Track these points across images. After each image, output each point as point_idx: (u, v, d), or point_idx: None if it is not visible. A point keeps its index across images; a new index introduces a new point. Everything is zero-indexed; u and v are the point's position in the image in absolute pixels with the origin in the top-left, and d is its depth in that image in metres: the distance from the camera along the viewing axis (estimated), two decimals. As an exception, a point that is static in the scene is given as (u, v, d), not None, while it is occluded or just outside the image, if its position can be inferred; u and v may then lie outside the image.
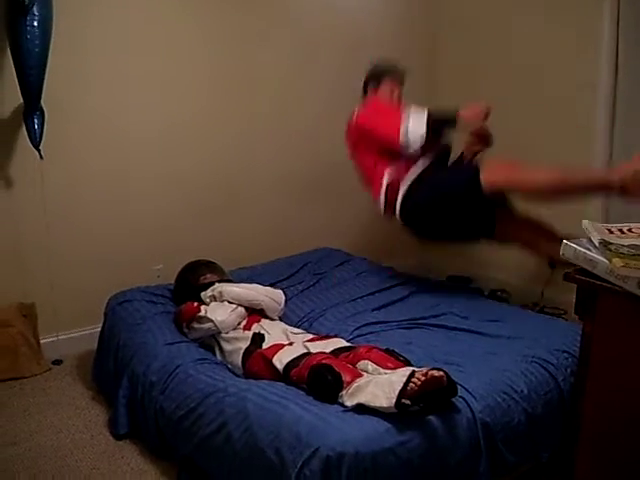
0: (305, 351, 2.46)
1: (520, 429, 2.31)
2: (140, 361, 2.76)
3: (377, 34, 4.37)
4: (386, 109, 3.24)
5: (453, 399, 2.20)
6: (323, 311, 3.13)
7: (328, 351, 2.46)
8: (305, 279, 3.58)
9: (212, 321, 2.77)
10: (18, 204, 3.29)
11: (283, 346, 2.53)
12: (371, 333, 2.85)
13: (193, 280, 3.16)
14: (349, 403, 2.12)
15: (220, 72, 3.80)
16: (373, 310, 3.12)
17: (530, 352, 2.56)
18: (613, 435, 1.83)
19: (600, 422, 1.86)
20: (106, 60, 3.41)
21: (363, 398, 2.09)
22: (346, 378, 2.17)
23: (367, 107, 3.32)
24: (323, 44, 4.16)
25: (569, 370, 2.50)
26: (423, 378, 2.02)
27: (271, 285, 3.29)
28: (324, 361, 2.28)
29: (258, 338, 2.68)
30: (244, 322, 2.83)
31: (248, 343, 2.66)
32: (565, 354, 2.56)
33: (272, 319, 2.93)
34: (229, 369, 2.63)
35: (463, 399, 2.25)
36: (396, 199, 3.07)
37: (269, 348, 2.56)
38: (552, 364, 2.50)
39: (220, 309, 2.83)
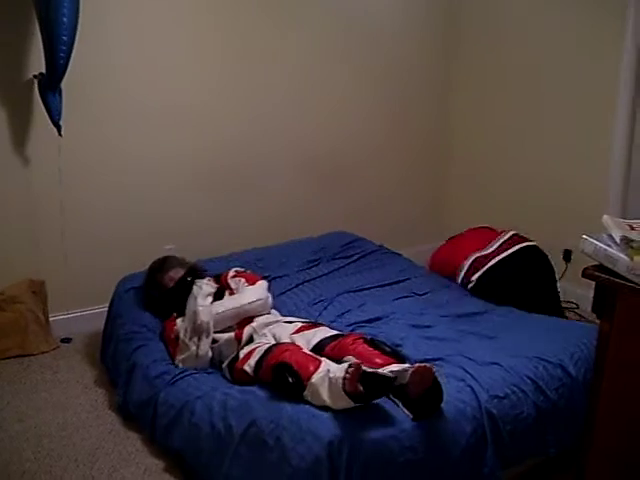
0: (270, 345, 2.44)
1: (529, 423, 2.29)
2: (141, 362, 2.73)
3: (398, 19, 4.30)
4: None
5: (460, 387, 2.21)
6: (335, 296, 3.15)
7: (314, 342, 2.45)
8: (322, 263, 3.58)
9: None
10: (33, 181, 3.28)
11: (254, 350, 2.49)
12: (387, 323, 2.84)
13: (159, 291, 3.01)
14: (316, 403, 2.11)
15: (241, 53, 3.74)
16: (394, 300, 3.11)
17: (543, 347, 2.53)
18: (628, 435, 1.79)
19: (615, 422, 1.82)
20: (126, 39, 3.37)
21: (325, 397, 2.07)
22: (306, 374, 2.14)
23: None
24: (346, 28, 4.09)
25: (583, 367, 2.46)
26: (352, 370, 2.00)
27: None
28: (283, 357, 2.25)
29: (247, 343, 2.64)
30: (235, 326, 2.74)
31: (235, 353, 2.61)
32: (579, 352, 2.52)
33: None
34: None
35: (471, 388, 2.23)
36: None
37: (242, 358, 2.51)
38: (566, 360, 2.47)
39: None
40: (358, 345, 2.33)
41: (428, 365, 2.07)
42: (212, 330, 2.68)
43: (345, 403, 2.02)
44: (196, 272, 3.02)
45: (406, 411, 2.09)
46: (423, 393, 2.07)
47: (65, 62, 2.94)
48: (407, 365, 2.13)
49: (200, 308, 2.71)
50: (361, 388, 1.99)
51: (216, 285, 2.94)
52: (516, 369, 2.37)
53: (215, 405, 2.30)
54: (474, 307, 3.02)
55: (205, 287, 2.86)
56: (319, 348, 2.42)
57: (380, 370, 2.05)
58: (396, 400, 2.11)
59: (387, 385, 2.04)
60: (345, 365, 2.06)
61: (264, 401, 2.21)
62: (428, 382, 2.07)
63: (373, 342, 2.36)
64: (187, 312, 2.76)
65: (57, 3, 2.79)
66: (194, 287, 2.87)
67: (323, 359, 2.24)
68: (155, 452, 2.53)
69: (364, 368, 2.01)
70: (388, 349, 2.32)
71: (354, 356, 2.26)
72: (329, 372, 2.10)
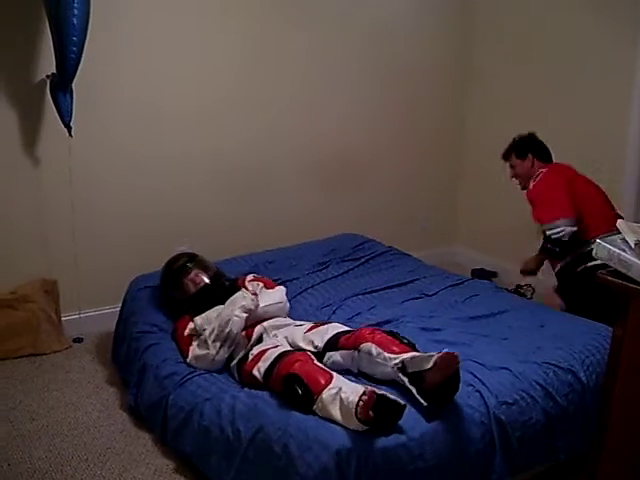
0: (280, 351, 2.43)
1: (538, 429, 2.27)
2: (151, 362, 2.73)
3: (411, 22, 4.30)
4: (549, 197, 3.41)
5: (468, 392, 2.20)
6: (345, 299, 3.12)
7: (329, 336, 2.46)
8: (332, 266, 3.56)
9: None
10: (44, 181, 3.30)
11: (264, 353, 2.47)
12: (396, 327, 2.80)
13: (181, 294, 2.99)
14: (325, 417, 2.10)
15: (252, 57, 3.76)
16: (403, 302, 3.09)
17: (554, 352, 2.50)
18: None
19: (628, 425, 1.81)
20: (137, 40, 3.38)
21: (335, 415, 2.06)
22: (316, 388, 2.13)
23: (538, 184, 3.48)
24: (357, 30, 4.09)
25: (594, 372, 2.44)
26: (366, 398, 1.98)
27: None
28: (293, 368, 2.24)
29: (256, 343, 2.64)
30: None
31: (244, 352, 2.61)
32: (591, 356, 2.49)
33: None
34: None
35: (480, 394, 2.22)
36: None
37: (252, 360, 2.51)
38: (576, 365, 2.44)
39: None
40: (377, 334, 2.36)
41: (455, 352, 2.08)
42: (236, 342, 2.66)
43: (356, 426, 2.00)
44: (219, 279, 3.00)
45: (420, 398, 2.08)
46: (442, 382, 2.07)
47: (75, 62, 2.96)
48: (432, 352, 2.12)
49: (236, 319, 2.67)
50: (371, 414, 1.98)
51: (258, 304, 2.78)
52: (525, 375, 2.35)
53: (224, 407, 2.30)
54: (486, 309, 2.97)
55: (248, 301, 2.70)
56: (334, 340, 2.44)
57: (391, 396, 2.03)
58: (411, 387, 2.11)
59: (398, 411, 2.02)
60: (359, 389, 2.04)
61: (272, 407, 2.20)
62: (452, 369, 2.08)
63: (392, 333, 2.39)
64: (223, 312, 2.70)
65: (67, 3, 2.80)
66: (239, 292, 2.78)
67: (334, 373, 2.23)
68: (166, 452, 2.54)
69: (377, 392, 2.00)
70: (405, 341, 2.33)
71: (372, 343, 2.29)
72: (341, 391, 2.08)
